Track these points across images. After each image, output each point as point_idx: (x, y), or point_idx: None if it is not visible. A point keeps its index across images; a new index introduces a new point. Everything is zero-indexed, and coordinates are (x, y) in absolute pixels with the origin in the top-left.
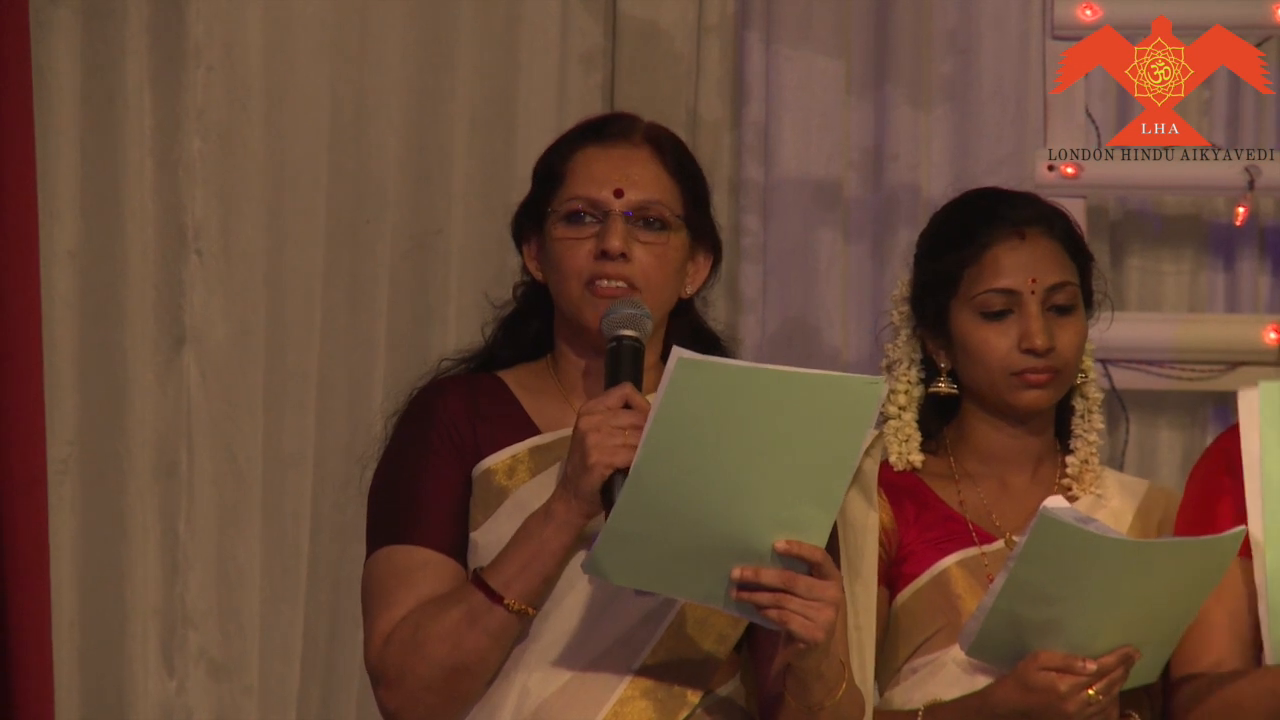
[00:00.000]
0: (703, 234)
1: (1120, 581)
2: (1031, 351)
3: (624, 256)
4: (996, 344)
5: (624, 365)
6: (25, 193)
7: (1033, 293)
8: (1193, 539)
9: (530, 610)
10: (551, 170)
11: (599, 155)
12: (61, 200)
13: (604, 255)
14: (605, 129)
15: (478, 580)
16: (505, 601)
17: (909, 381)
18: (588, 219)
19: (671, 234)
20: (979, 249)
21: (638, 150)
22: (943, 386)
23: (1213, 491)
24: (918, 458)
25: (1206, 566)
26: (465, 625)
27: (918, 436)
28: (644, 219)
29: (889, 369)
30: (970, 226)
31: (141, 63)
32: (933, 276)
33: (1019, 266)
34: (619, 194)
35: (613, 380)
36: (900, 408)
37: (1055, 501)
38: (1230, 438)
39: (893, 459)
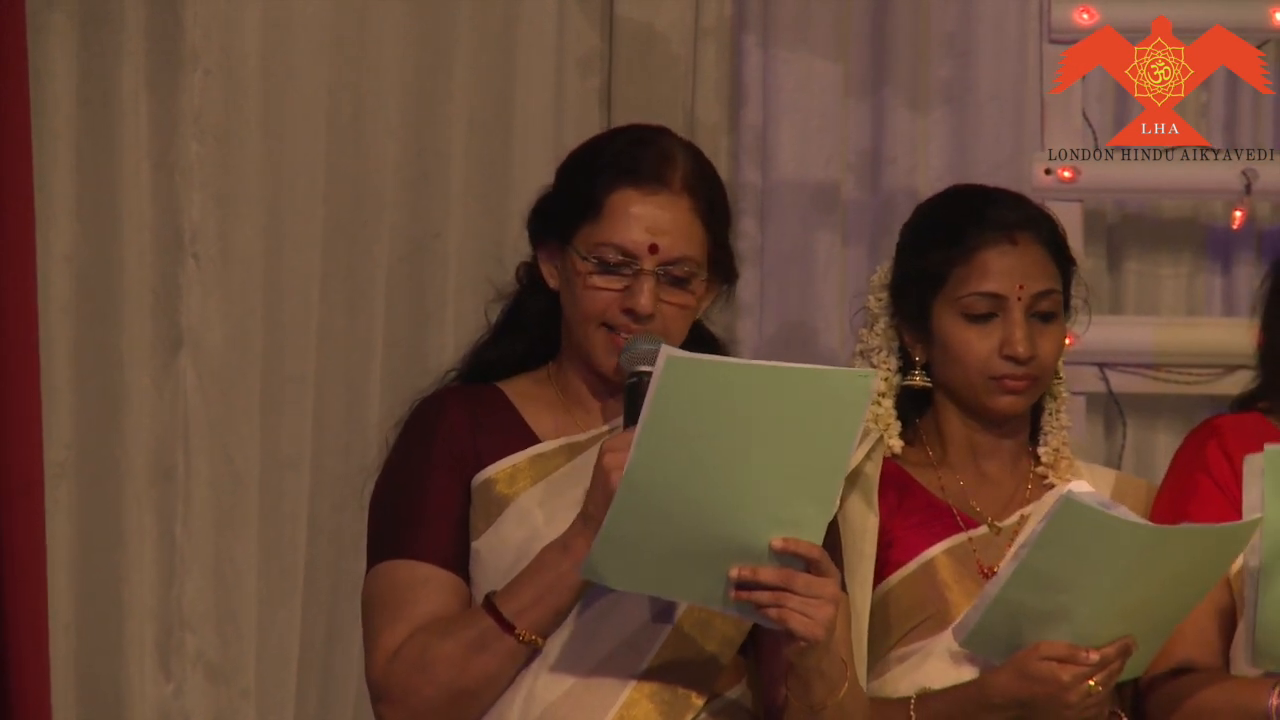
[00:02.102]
0: (720, 266)
1: (1133, 569)
2: (1012, 359)
3: (650, 316)
4: (978, 347)
5: (643, 401)
6: (22, 197)
7: (1019, 299)
8: (1212, 526)
9: (540, 641)
10: (588, 196)
11: (637, 200)
12: (58, 204)
13: (629, 313)
14: (647, 169)
15: (490, 606)
16: (516, 632)
17: (889, 369)
18: (619, 269)
19: (695, 285)
20: (968, 250)
21: (677, 200)
22: (917, 380)
23: (1188, 487)
24: (897, 443)
25: (1218, 555)
26: (474, 650)
27: (897, 424)
28: (673, 276)
29: (863, 355)
30: (960, 226)
31: (138, 66)
32: (917, 272)
33: (1007, 272)
34: (654, 249)
35: (632, 416)
36: (880, 394)
37: (1080, 486)
38: (1204, 432)
39: None
